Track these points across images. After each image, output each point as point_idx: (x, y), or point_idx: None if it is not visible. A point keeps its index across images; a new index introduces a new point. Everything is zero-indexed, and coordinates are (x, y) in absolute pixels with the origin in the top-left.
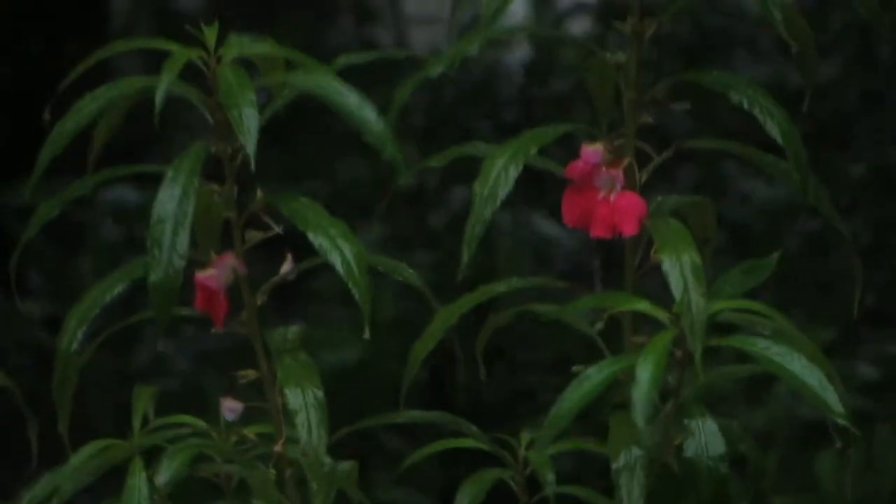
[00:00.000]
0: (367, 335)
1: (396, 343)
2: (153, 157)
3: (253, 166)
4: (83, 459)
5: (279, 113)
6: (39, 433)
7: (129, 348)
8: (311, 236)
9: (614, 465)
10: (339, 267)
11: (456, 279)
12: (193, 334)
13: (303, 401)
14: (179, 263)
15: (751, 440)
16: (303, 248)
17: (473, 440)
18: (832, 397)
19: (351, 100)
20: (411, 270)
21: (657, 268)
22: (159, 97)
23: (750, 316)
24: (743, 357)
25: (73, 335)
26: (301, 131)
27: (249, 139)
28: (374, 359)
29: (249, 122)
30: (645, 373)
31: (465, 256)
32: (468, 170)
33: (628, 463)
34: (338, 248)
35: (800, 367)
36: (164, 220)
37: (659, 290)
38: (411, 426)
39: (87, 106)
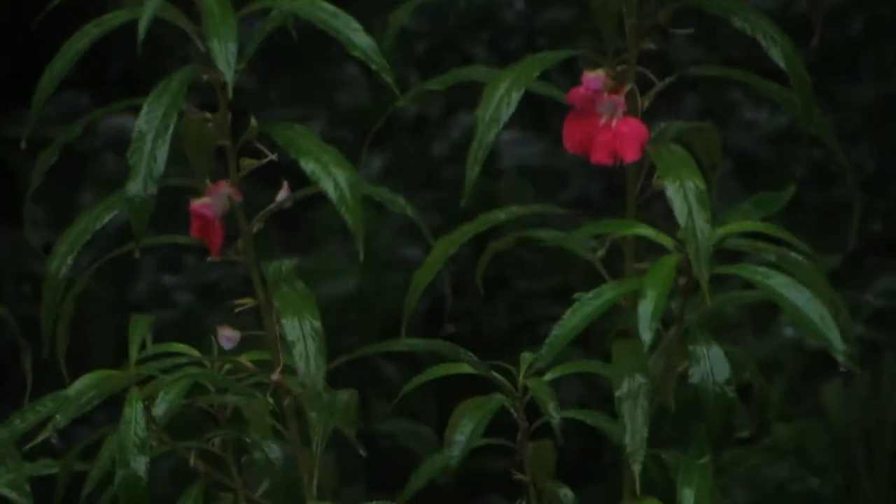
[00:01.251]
0: (361, 258)
1: (396, 275)
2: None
3: (230, 94)
4: (80, 389)
5: (275, 39)
6: (40, 365)
7: (126, 280)
8: (302, 163)
9: (617, 393)
10: (331, 193)
11: (458, 212)
12: (193, 265)
13: (300, 331)
14: (157, 174)
15: (755, 367)
16: (300, 178)
17: (472, 367)
18: (833, 332)
19: (338, 20)
20: (407, 202)
21: (661, 196)
22: (142, 27)
23: (757, 243)
24: (749, 285)
25: (63, 260)
26: (303, 59)
27: (227, 69)
28: (373, 290)
29: (228, 52)
30: (650, 295)
31: (468, 181)
32: (471, 100)
33: (632, 390)
34: (330, 175)
35: (802, 299)
36: (144, 134)
37: (661, 223)
38: (410, 358)
39: (75, 45)
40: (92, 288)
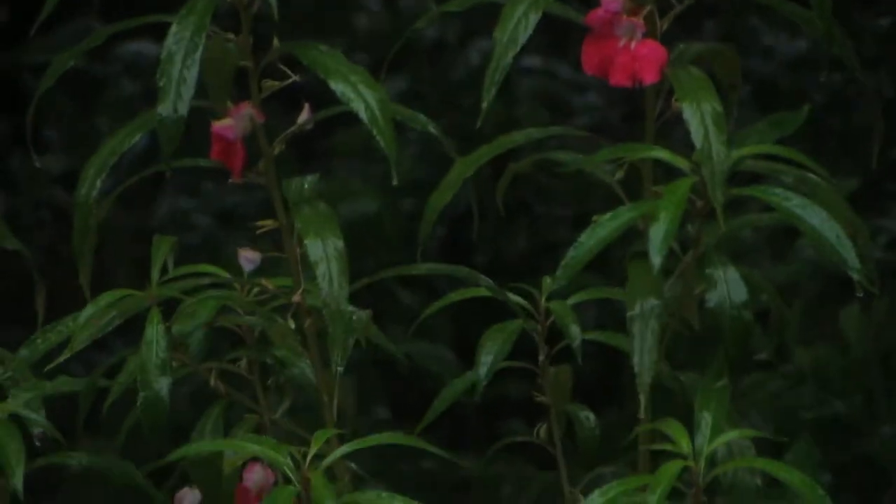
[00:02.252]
0: (395, 182)
1: (415, 201)
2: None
3: (276, 14)
4: (99, 309)
5: None
6: (59, 291)
7: (145, 207)
8: (332, 84)
9: (630, 313)
10: (362, 114)
11: (476, 138)
12: (211, 191)
13: (323, 251)
14: (187, 95)
15: (773, 290)
16: (321, 100)
17: (492, 290)
18: (849, 252)
19: None
20: (429, 119)
21: (681, 123)
22: None
23: (775, 165)
24: (767, 208)
25: (92, 184)
26: None
27: None
28: (392, 215)
29: None
30: (662, 217)
31: (485, 103)
32: (490, 26)
33: (644, 312)
34: (360, 95)
35: (819, 220)
36: (173, 55)
37: (681, 151)
38: (428, 284)
39: None
40: (111, 215)
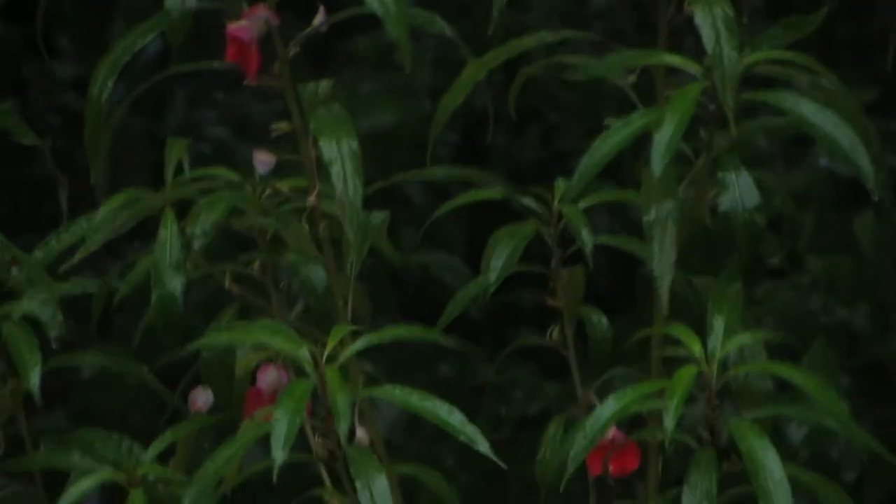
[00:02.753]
0: (406, 69)
1: (430, 109)
2: None
3: None
4: (113, 209)
5: None
6: (74, 198)
7: (158, 115)
8: None
9: (646, 218)
10: (378, 11)
11: (488, 46)
12: (225, 100)
13: (337, 152)
14: None
15: (785, 194)
16: (336, 5)
17: (504, 193)
18: (862, 157)
19: None
20: (444, 22)
21: (693, 31)
22: None
23: (788, 71)
24: (781, 114)
25: (104, 84)
26: None
27: None
28: (408, 123)
29: None
30: (669, 121)
31: (497, 6)
32: None
33: (660, 216)
34: None
35: (832, 125)
36: None
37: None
38: (442, 190)
39: None
40: (125, 123)
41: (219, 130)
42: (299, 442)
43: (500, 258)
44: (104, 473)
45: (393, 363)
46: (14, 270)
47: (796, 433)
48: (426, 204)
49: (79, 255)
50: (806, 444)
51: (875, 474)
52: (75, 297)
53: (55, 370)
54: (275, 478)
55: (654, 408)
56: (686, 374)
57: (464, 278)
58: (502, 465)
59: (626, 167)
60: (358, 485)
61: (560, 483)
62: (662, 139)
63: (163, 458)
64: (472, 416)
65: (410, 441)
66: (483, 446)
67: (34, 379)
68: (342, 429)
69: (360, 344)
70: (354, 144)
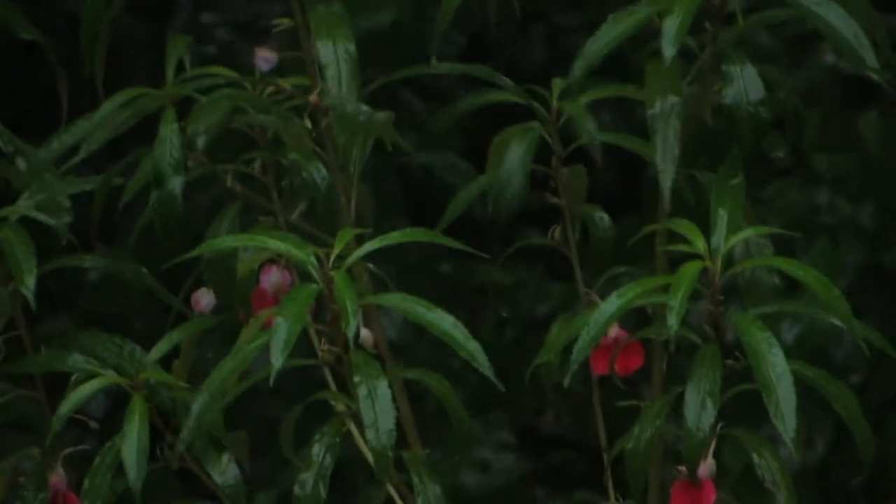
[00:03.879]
0: None
1: (432, 5)
2: None
3: None
4: (114, 108)
5: None
6: (76, 101)
7: (162, 18)
8: None
9: (650, 112)
10: None
11: None
12: (230, 2)
13: (334, 54)
14: None
15: (790, 87)
16: None
17: (508, 93)
18: (867, 50)
19: None
20: None
21: None
22: None
23: None
24: (787, 7)
25: None
26: None
27: None
28: (410, 22)
29: None
30: (677, 10)
31: None
32: None
33: (664, 110)
34: None
35: (836, 17)
36: None
37: None
38: (442, 97)
39: None
40: (128, 26)
41: (224, 32)
42: (305, 346)
43: (513, 160)
44: (106, 378)
45: (397, 264)
46: (19, 161)
47: (788, 332)
48: (426, 109)
49: (81, 154)
50: (798, 344)
51: (880, 378)
52: (78, 202)
53: (59, 274)
54: (271, 382)
55: (657, 303)
56: (690, 270)
57: (468, 179)
58: (500, 386)
59: (631, 66)
60: (360, 391)
61: (563, 381)
62: (672, 25)
63: (166, 361)
64: (476, 318)
65: (418, 343)
66: (483, 364)
67: (30, 283)
68: (350, 332)
69: (366, 248)
70: (351, 48)
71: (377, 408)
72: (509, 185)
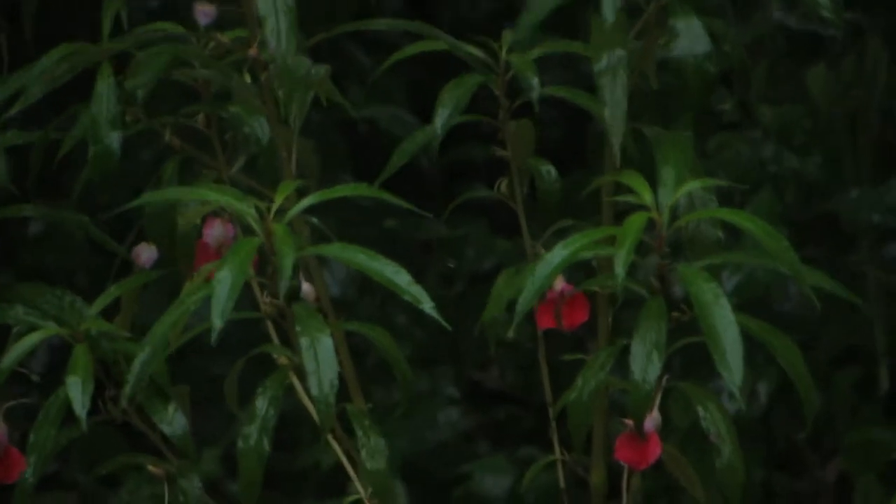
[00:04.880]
0: None
1: None
2: None
3: None
4: (51, 62)
5: None
6: (15, 56)
7: None
8: None
9: (596, 67)
10: None
11: None
12: None
13: (272, 5)
14: None
15: (736, 41)
16: None
17: (445, 43)
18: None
19: None
20: None
21: None
22: None
23: None
24: None
25: None
26: None
27: None
28: None
29: None
30: None
31: None
32: None
33: (611, 64)
34: None
35: None
36: None
37: None
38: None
39: None
40: None
41: None
42: (249, 299)
43: (446, 108)
44: (48, 329)
45: (342, 219)
46: None
47: (727, 282)
48: (371, 63)
49: (17, 107)
50: (736, 293)
51: (828, 332)
52: (19, 157)
53: (1, 229)
54: (213, 341)
55: (603, 255)
56: (636, 221)
57: (413, 131)
58: (446, 325)
59: (580, 28)
60: (302, 343)
61: (507, 334)
62: None
63: (107, 316)
64: (422, 273)
65: (362, 300)
66: (428, 306)
67: None
68: (284, 285)
69: (307, 201)
70: (290, 0)
71: (319, 359)
72: (439, 135)
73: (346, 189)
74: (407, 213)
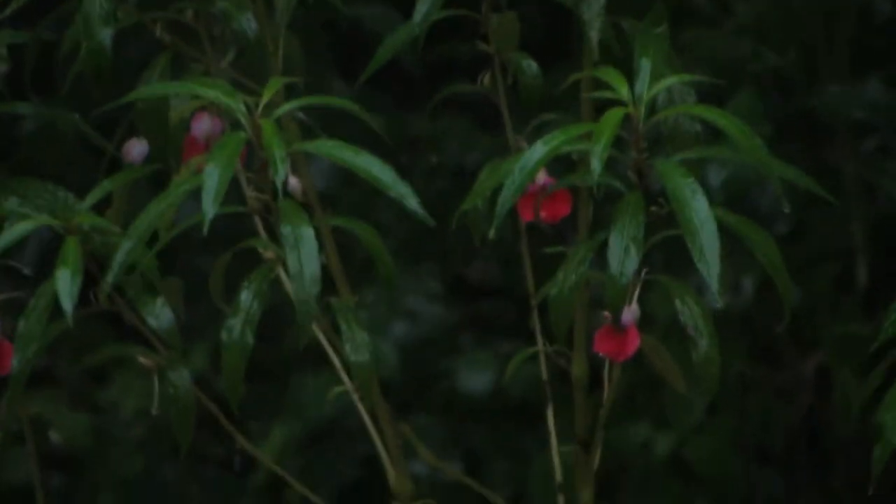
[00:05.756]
0: None
1: None
2: None
3: None
4: None
5: None
6: None
7: None
8: None
9: None
10: None
11: None
12: None
13: None
14: None
15: None
16: None
17: None
18: None
19: None
20: None
21: None
22: None
23: None
24: None
25: None
26: None
27: None
28: None
29: None
30: None
31: None
32: None
33: None
34: None
35: None
36: None
37: None
38: None
39: None
40: None
41: None
42: (235, 195)
43: (424, 3)
44: (40, 219)
45: (326, 114)
46: None
47: (716, 178)
48: None
49: (11, 7)
50: (723, 189)
51: (808, 228)
52: (12, 57)
53: None
54: (205, 230)
55: (582, 150)
56: (613, 117)
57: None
58: (430, 221)
59: None
60: (287, 240)
61: (490, 229)
62: None
63: (99, 210)
64: (406, 169)
65: (347, 193)
66: (412, 203)
67: None
68: (277, 180)
69: (295, 104)
70: None
71: (302, 254)
72: (419, 29)
73: (333, 100)
74: (391, 110)
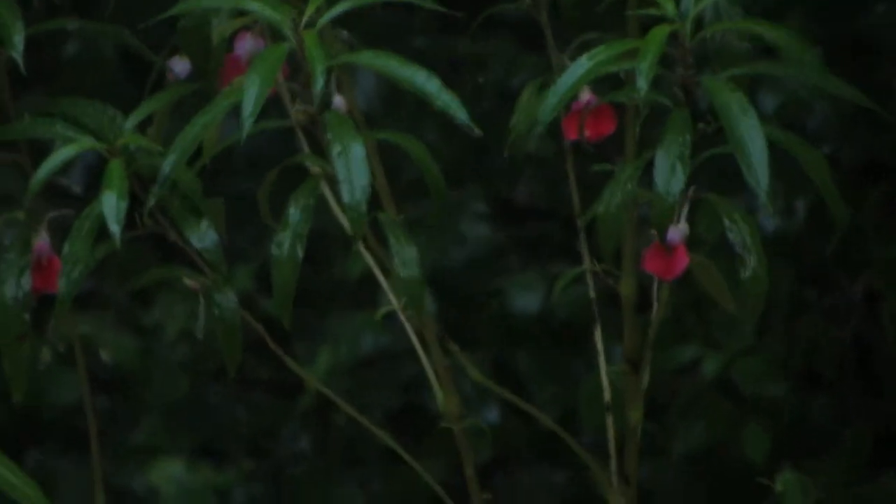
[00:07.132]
0: None
1: None
2: None
3: None
4: None
5: None
6: None
7: None
8: None
9: None
10: None
11: None
12: None
13: None
14: None
15: None
16: None
17: None
18: None
19: None
20: None
21: None
22: None
23: None
24: None
25: None
26: None
27: None
28: None
29: None
30: None
31: None
32: None
33: None
34: None
35: None
36: None
37: None
38: None
39: None
40: None
41: None
42: (279, 112)
43: None
44: (85, 142)
45: (369, 35)
46: None
47: (770, 103)
48: None
49: None
50: (778, 114)
51: (851, 147)
52: None
53: (37, 51)
54: (242, 140)
55: (627, 67)
56: (659, 33)
57: None
58: (478, 131)
59: None
60: (333, 148)
61: (531, 145)
62: None
63: (143, 130)
64: (450, 88)
65: (391, 114)
66: (460, 113)
67: (18, 43)
68: (317, 89)
69: (339, 8)
70: None
71: (351, 165)
72: None
73: None
74: (434, 31)
